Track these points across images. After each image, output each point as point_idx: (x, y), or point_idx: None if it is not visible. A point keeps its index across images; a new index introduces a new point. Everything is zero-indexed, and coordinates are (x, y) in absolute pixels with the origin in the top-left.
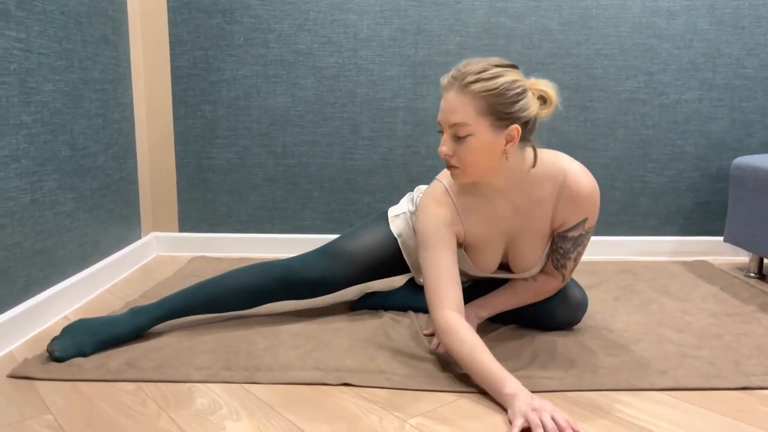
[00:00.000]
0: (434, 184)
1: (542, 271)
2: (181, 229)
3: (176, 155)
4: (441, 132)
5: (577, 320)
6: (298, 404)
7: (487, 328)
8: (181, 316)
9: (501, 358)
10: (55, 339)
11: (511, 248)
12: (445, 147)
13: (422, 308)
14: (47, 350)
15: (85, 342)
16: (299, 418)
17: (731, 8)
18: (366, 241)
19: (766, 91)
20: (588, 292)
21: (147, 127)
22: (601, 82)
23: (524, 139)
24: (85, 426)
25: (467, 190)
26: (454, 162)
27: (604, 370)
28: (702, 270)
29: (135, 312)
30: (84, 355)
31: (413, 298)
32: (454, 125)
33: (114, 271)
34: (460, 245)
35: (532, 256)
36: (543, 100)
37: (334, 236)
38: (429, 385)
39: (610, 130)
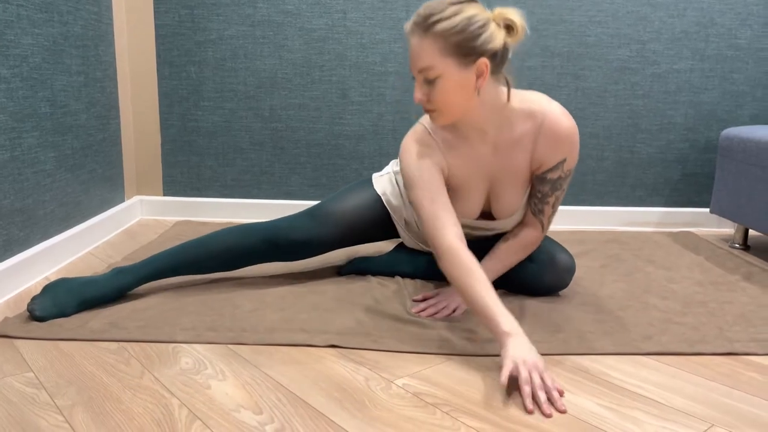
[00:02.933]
0: (415, 126)
1: (521, 223)
2: (166, 193)
3: (161, 117)
4: (414, 79)
5: (565, 284)
6: (285, 365)
7: None
8: (165, 277)
9: None
10: (35, 298)
11: (493, 193)
12: (418, 93)
13: (410, 273)
14: (27, 309)
15: (66, 302)
16: (285, 379)
17: None
18: (352, 201)
19: (757, 62)
20: (575, 260)
21: (130, 87)
22: (593, 50)
23: (496, 72)
24: (67, 384)
25: (448, 129)
26: (429, 106)
27: (591, 334)
28: (687, 240)
29: (118, 272)
30: (65, 315)
31: (401, 263)
32: (422, 70)
33: (97, 233)
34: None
35: (513, 200)
36: (509, 29)
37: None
38: (416, 347)
39: (601, 99)
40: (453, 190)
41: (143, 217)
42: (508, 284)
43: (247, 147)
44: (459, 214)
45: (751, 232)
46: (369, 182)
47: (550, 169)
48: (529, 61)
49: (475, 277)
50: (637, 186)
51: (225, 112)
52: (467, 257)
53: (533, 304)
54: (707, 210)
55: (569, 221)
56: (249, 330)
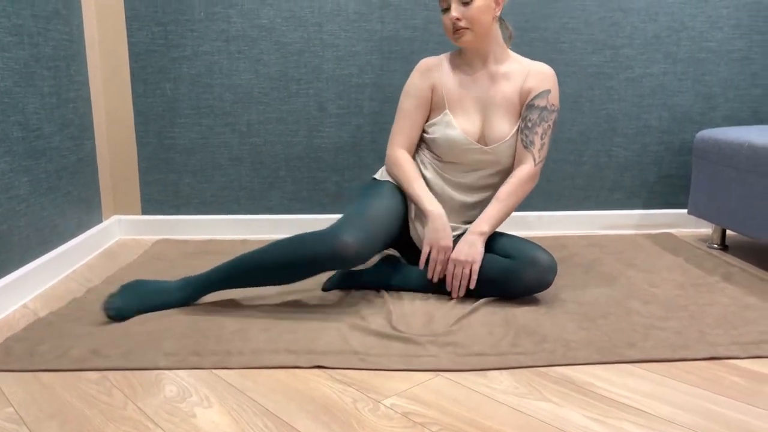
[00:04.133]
0: (432, 56)
1: (515, 164)
2: (144, 212)
3: (137, 135)
4: (445, 9)
5: (547, 282)
6: (270, 388)
7: (461, 306)
8: (229, 288)
9: (475, 335)
10: (111, 296)
11: (486, 118)
12: (455, 13)
13: (399, 286)
14: (103, 308)
15: (131, 305)
16: (272, 403)
17: None
18: (376, 200)
19: (728, 64)
20: (557, 264)
21: (104, 106)
22: (568, 56)
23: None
24: (48, 418)
25: (459, 56)
26: (462, 24)
27: (576, 344)
28: (667, 242)
29: (185, 284)
30: (122, 318)
31: (389, 276)
32: None
33: (75, 256)
34: (443, 107)
35: (503, 128)
36: None
37: (302, 216)
38: (403, 364)
39: (577, 104)
40: (453, 107)
41: (122, 237)
42: (491, 286)
43: (226, 163)
44: (461, 128)
45: (729, 232)
46: (374, 182)
47: (537, 96)
48: None
49: (408, 174)
50: (615, 189)
51: (202, 128)
52: (405, 161)
53: (518, 314)
54: (685, 211)
55: (550, 227)
56: (234, 353)
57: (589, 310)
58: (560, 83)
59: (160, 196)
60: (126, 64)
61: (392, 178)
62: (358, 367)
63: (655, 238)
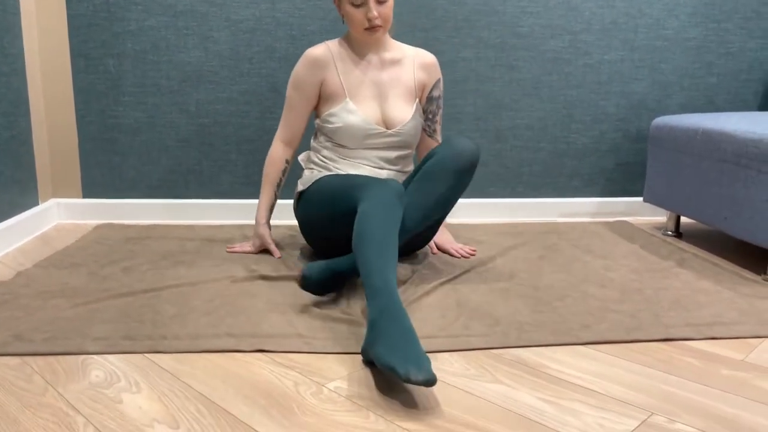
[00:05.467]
0: (317, 45)
1: (420, 151)
2: (85, 195)
3: (77, 114)
4: (359, 5)
5: (466, 165)
6: (207, 373)
7: (413, 289)
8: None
9: (426, 318)
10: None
11: (384, 103)
12: (376, 12)
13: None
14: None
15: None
16: (207, 388)
17: None
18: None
19: (684, 52)
20: (513, 252)
21: (41, 82)
22: (526, 40)
23: None
24: None
25: (348, 46)
26: (379, 23)
27: (530, 326)
28: (623, 230)
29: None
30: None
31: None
32: None
33: (7, 239)
34: (342, 96)
35: (402, 110)
36: None
37: (254, 201)
38: (349, 347)
39: (535, 90)
40: (352, 94)
41: (60, 222)
42: (426, 196)
43: (173, 144)
44: (362, 114)
45: (683, 219)
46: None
47: (434, 87)
48: (462, 52)
49: (270, 180)
50: (573, 176)
51: (148, 107)
52: (275, 163)
53: (471, 297)
54: (641, 199)
55: (506, 213)
56: (170, 337)
57: (544, 294)
58: (520, 68)
59: (102, 178)
60: (65, 38)
61: (264, 172)
62: (303, 350)
63: (612, 226)
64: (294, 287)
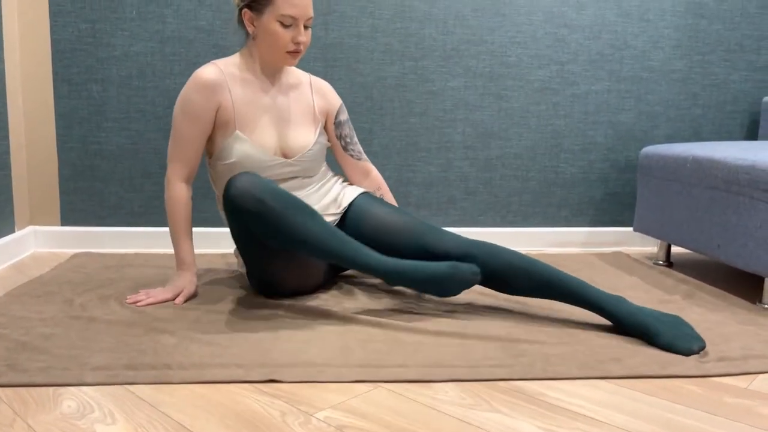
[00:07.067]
0: (207, 65)
1: (359, 176)
2: (64, 223)
3: (58, 139)
4: (288, 26)
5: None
6: (188, 402)
7: (424, 315)
8: None
9: (452, 348)
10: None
11: (283, 131)
12: (305, 38)
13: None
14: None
15: None
16: (188, 418)
17: (637, 1)
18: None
19: (669, 83)
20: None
21: (22, 106)
22: (514, 70)
23: None
24: None
25: (246, 70)
26: (303, 48)
27: (556, 358)
28: (619, 261)
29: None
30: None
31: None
32: (310, 18)
33: None
34: (232, 126)
35: (303, 136)
36: None
37: None
38: (338, 375)
39: (524, 119)
40: (244, 124)
41: (38, 250)
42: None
43: (157, 171)
44: (257, 144)
45: (674, 249)
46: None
47: (339, 111)
48: (451, 81)
49: (179, 225)
50: (562, 206)
51: (131, 133)
52: (179, 204)
53: (488, 328)
54: (631, 228)
55: (496, 243)
56: (175, 367)
57: (564, 324)
58: (508, 98)
59: (82, 205)
60: (48, 63)
61: (168, 215)
62: (317, 380)
63: (606, 257)
64: (297, 308)
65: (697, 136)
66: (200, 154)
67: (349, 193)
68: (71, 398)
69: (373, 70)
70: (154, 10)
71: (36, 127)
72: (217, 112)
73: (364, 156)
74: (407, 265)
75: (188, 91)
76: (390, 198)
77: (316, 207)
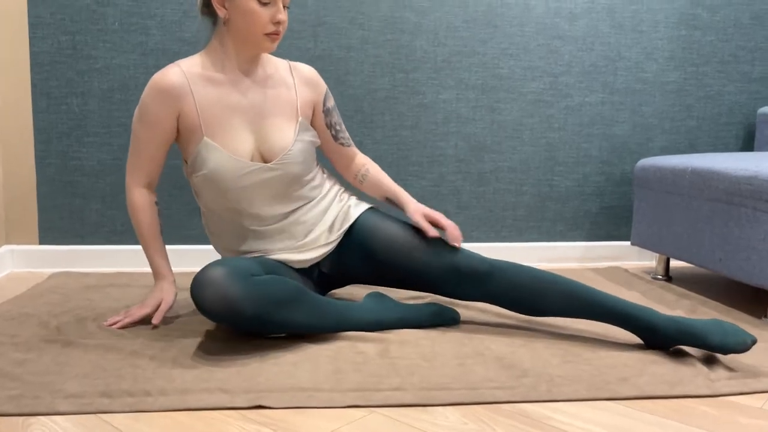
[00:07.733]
0: (169, 66)
1: (350, 164)
2: (42, 241)
3: (36, 155)
4: (266, 4)
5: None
6: None
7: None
8: None
9: (450, 369)
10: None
11: (260, 132)
12: (284, 16)
13: (394, 323)
14: None
15: None
16: None
17: (630, 12)
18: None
19: (663, 95)
20: None
21: None
22: (507, 82)
23: None
24: None
25: (213, 67)
26: (282, 29)
27: (561, 379)
28: (617, 276)
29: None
30: None
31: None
32: None
33: None
34: (199, 133)
35: (282, 136)
36: None
37: None
38: (330, 401)
39: (517, 132)
40: (213, 130)
41: (14, 270)
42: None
43: None
44: (230, 150)
45: (672, 263)
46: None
47: (326, 98)
48: (443, 93)
49: (145, 232)
50: (557, 220)
51: (113, 149)
52: (145, 215)
53: (491, 346)
54: (627, 243)
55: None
56: (155, 393)
57: (567, 342)
58: (501, 110)
59: (62, 223)
60: (27, 76)
61: (134, 225)
62: (308, 405)
63: (605, 272)
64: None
65: (693, 148)
66: (161, 163)
67: (353, 211)
68: (41, 429)
69: (363, 82)
70: (137, 22)
71: (13, 142)
72: (178, 119)
73: (350, 143)
74: (392, 319)
75: (145, 97)
76: (383, 176)
77: (317, 229)
